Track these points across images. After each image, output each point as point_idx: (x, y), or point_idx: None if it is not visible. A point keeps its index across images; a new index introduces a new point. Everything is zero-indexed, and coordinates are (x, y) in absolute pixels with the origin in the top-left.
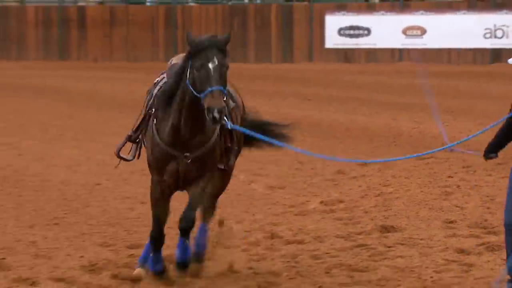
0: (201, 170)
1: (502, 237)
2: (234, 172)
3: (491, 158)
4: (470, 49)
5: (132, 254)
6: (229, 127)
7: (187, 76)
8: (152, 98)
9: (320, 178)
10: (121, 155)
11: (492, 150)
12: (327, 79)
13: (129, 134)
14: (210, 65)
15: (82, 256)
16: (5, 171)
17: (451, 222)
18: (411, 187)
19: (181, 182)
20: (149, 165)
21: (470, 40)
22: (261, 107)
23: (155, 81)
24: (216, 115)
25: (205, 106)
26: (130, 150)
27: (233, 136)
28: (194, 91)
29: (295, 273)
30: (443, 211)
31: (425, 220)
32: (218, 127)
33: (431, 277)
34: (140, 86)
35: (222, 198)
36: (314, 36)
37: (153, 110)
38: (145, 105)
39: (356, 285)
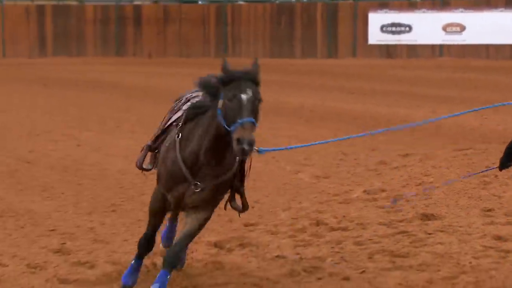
0: (205, 202)
1: None
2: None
3: (508, 167)
4: (507, 45)
5: None
6: (263, 153)
7: (217, 105)
8: (182, 113)
9: (363, 168)
10: (143, 166)
11: (508, 159)
12: (370, 73)
13: (149, 144)
14: (243, 96)
15: (137, 242)
16: (65, 160)
17: (489, 210)
18: (451, 177)
19: (182, 205)
20: (159, 177)
21: (508, 36)
22: (307, 100)
23: (185, 98)
24: (246, 147)
25: (235, 137)
26: (150, 159)
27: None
28: (224, 123)
29: (339, 258)
30: (481, 199)
31: (464, 208)
32: (236, 166)
33: (470, 262)
34: (193, 80)
35: (270, 187)
36: (357, 33)
37: (180, 124)
38: (167, 118)
39: (397, 270)
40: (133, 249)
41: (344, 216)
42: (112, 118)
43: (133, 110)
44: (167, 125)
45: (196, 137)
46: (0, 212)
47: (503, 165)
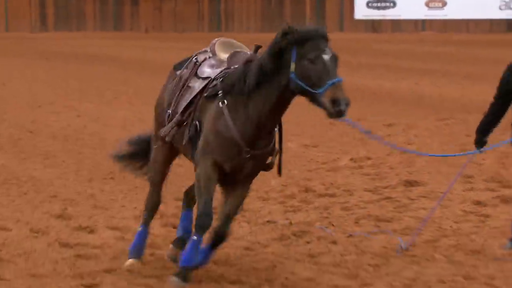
0: (256, 170)
1: None
2: None
3: (485, 143)
4: (487, 20)
5: (178, 206)
6: (350, 122)
7: (288, 68)
8: (215, 81)
9: (350, 137)
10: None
11: (484, 136)
12: (357, 47)
13: (178, 118)
14: (326, 57)
15: (135, 207)
16: (66, 130)
17: (469, 177)
18: (433, 146)
19: (234, 175)
20: (207, 148)
21: (487, 11)
22: None
23: (192, 63)
24: (343, 107)
25: (328, 98)
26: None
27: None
28: (305, 85)
29: (327, 223)
30: (460, 166)
31: (445, 175)
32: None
33: (451, 226)
34: (188, 54)
35: None
36: (344, 8)
37: (219, 93)
38: (176, 86)
39: (382, 234)
40: (131, 214)
41: (331, 183)
42: (110, 90)
43: (130, 82)
44: (192, 96)
45: (251, 104)
46: (4, 179)
47: (480, 143)
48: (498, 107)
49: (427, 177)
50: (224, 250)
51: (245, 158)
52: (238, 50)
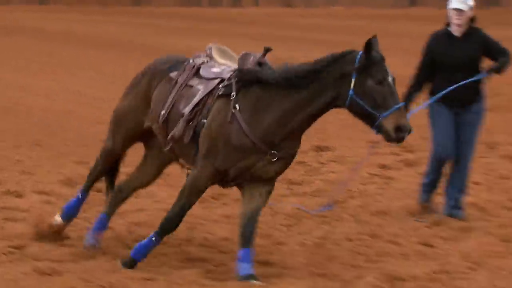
0: (278, 173)
1: (418, 154)
2: None
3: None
4: None
5: (124, 172)
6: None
7: (348, 85)
8: (227, 82)
9: None
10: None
11: (408, 103)
12: (271, 21)
13: (185, 117)
14: (391, 79)
15: (60, 172)
16: None
17: (375, 142)
18: (343, 113)
19: (246, 178)
20: (210, 152)
21: None
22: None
23: (191, 65)
24: (406, 135)
25: (393, 124)
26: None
27: None
28: (367, 105)
29: None
30: (367, 132)
31: (353, 140)
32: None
33: (358, 188)
34: (111, 26)
35: None
36: None
37: (233, 95)
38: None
39: (294, 196)
40: (56, 179)
41: None
42: (36, 61)
43: (55, 54)
44: (202, 95)
45: (275, 109)
46: None
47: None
48: (423, 77)
49: (337, 143)
50: (146, 212)
51: (266, 161)
52: (246, 52)
